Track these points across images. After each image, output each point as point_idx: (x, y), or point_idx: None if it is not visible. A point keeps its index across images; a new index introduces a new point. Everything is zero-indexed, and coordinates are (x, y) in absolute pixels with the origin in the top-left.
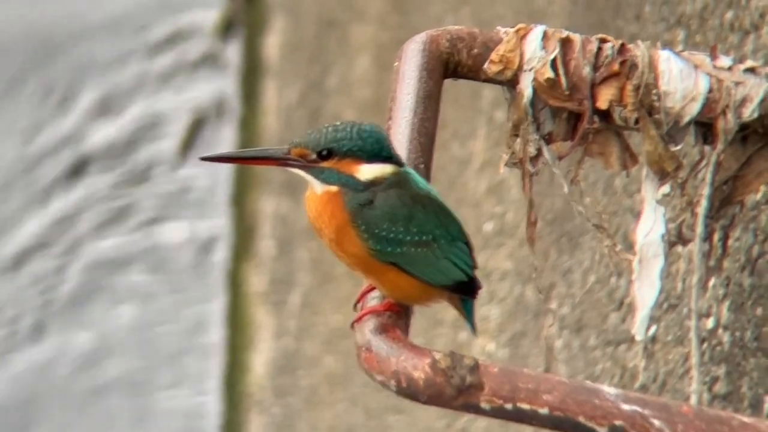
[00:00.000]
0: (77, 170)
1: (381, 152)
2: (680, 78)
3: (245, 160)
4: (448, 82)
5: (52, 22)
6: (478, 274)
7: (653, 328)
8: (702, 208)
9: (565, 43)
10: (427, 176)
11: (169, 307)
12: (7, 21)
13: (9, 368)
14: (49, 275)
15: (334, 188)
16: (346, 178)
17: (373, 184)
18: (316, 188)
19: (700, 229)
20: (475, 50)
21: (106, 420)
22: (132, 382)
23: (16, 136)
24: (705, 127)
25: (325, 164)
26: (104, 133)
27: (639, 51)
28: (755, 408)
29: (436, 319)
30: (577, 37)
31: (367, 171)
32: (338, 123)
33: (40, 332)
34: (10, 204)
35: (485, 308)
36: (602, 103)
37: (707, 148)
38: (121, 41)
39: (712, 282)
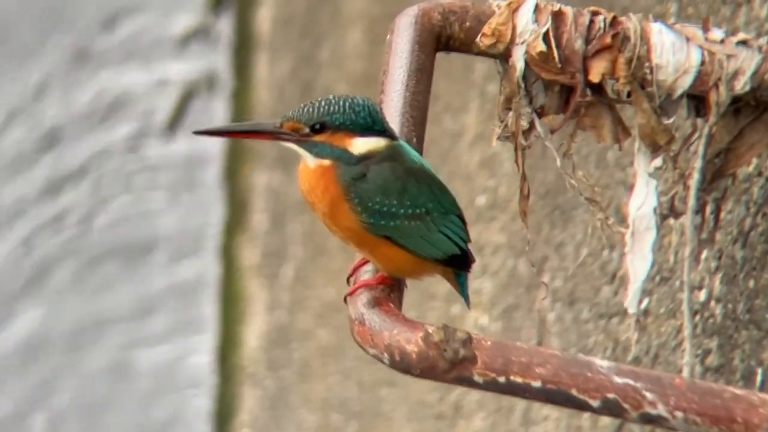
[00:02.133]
0: (55, 141)
1: (374, 126)
2: (672, 51)
3: (238, 134)
4: (440, 56)
5: None
6: (471, 247)
7: (646, 301)
8: (694, 181)
9: (557, 16)
10: (419, 150)
11: (162, 282)
12: None
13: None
14: (38, 244)
15: (327, 162)
16: (339, 152)
17: (366, 157)
18: (309, 162)
19: (692, 201)
20: (468, 23)
21: (96, 392)
22: (125, 354)
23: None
24: (697, 100)
25: (317, 138)
26: (91, 104)
27: (631, 24)
28: (747, 380)
29: (428, 293)
30: (569, 10)
31: (360, 144)
32: (331, 97)
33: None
34: None
35: (478, 282)
36: (594, 76)
37: (699, 120)
38: (110, 12)
39: (704, 255)
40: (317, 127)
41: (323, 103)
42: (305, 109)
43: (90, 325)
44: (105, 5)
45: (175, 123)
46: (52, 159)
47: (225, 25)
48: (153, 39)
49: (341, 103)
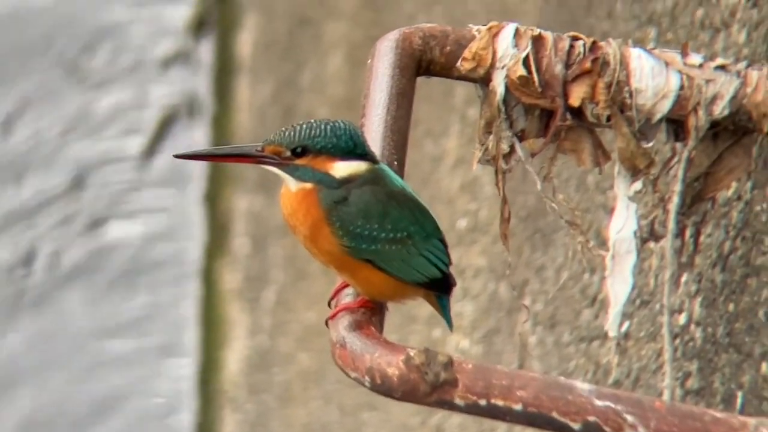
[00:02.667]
0: (31, 162)
1: (355, 149)
2: (651, 75)
3: (219, 158)
4: (420, 80)
5: (30, 16)
6: (453, 270)
7: (626, 324)
8: (674, 205)
9: (537, 40)
10: (400, 173)
11: (142, 307)
12: None
13: None
14: (15, 270)
15: (308, 185)
16: (320, 176)
17: (347, 181)
18: (291, 185)
19: (672, 225)
20: (448, 48)
21: (79, 415)
22: (104, 377)
23: None
24: (676, 124)
25: (299, 161)
26: (71, 125)
27: (611, 49)
28: (727, 403)
29: (410, 316)
30: (549, 35)
31: (341, 168)
32: (312, 120)
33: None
34: None
35: (459, 305)
36: (574, 101)
37: (679, 145)
38: (94, 38)
39: (684, 278)
40: (299, 150)
41: (305, 126)
42: (287, 133)
43: (68, 346)
44: (87, 28)
45: (155, 146)
46: (29, 180)
47: (206, 49)
48: (134, 62)
49: (323, 126)
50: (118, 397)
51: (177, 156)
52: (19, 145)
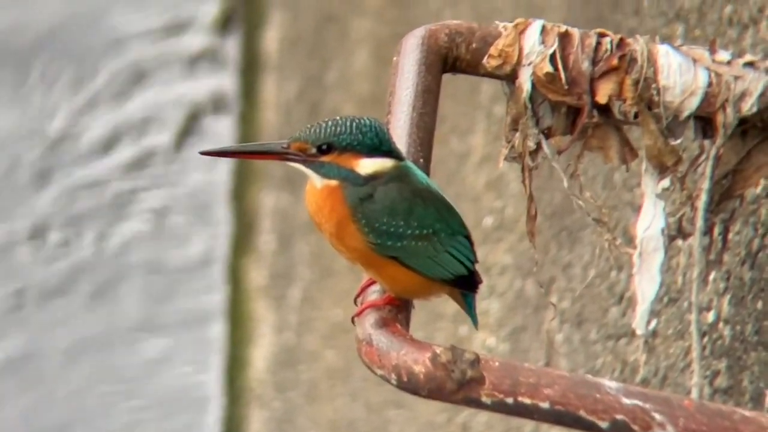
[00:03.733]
0: (62, 160)
1: (380, 146)
2: (679, 72)
3: (245, 155)
4: (446, 77)
5: (50, 15)
6: (479, 268)
7: (654, 322)
8: (702, 202)
9: (564, 37)
10: (426, 170)
11: (169, 303)
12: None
13: None
14: (46, 263)
15: (334, 182)
16: (345, 173)
17: (373, 178)
18: (316, 182)
19: (700, 222)
20: (474, 45)
21: (103, 414)
22: (133, 374)
23: (19, 127)
24: (704, 122)
25: (324, 158)
26: (100, 126)
27: (638, 45)
28: (756, 402)
29: (436, 313)
30: (575, 32)
31: (366, 165)
32: (338, 117)
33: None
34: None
35: (485, 303)
36: (601, 98)
37: (707, 142)
38: (121, 35)
39: (712, 276)
40: (324, 147)
41: (330, 123)
42: (312, 130)
43: (95, 344)
44: (113, 26)
45: (182, 144)
46: (61, 177)
47: (232, 47)
48: (161, 60)
49: (348, 123)
50: (145, 394)
51: (203, 153)
52: (56, 139)
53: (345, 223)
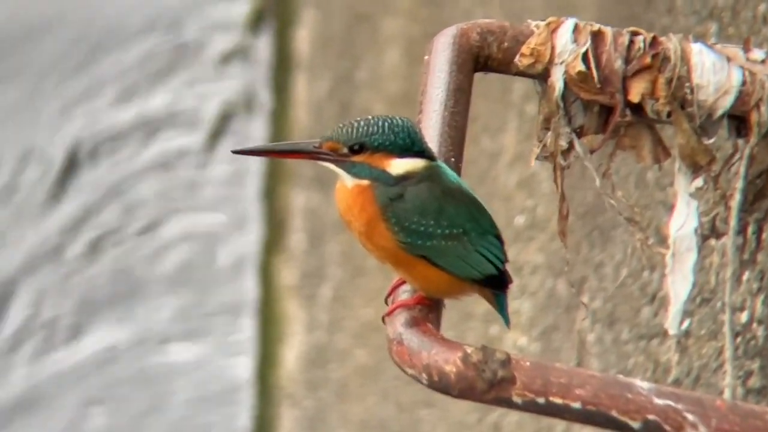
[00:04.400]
0: (92, 158)
1: (412, 147)
2: (713, 71)
3: (276, 153)
4: (478, 76)
5: (87, 13)
6: (510, 267)
7: (687, 322)
8: (736, 202)
9: (597, 36)
10: (457, 170)
11: (201, 303)
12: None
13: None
14: (80, 268)
15: (364, 182)
16: (377, 173)
17: (404, 178)
18: (347, 182)
19: (733, 222)
20: (506, 44)
21: (133, 408)
22: (165, 374)
23: (46, 123)
24: (738, 120)
25: (356, 158)
26: (132, 122)
27: (671, 44)
28: None
29: (466, 313)
30: (608, 30)
31: (398, 165)
32: (370, 117)
33: (77, 330)
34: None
35: (517, 302)
36: (634, 96)
37: (740, 141)
38: (154, 34)
39: (746, 276)
40: (356, 147)
41: (362, 123)
42: (344, 130)
43: (129, 345)
44: (146, 23)
45: (214, 142)
46: (89, 177)
47: (264, 45)
48: (193, 58)
49: (380, 123)
50: (177, 391)
51: (235, 152)
52: (85, 137)
53: (375, 222)
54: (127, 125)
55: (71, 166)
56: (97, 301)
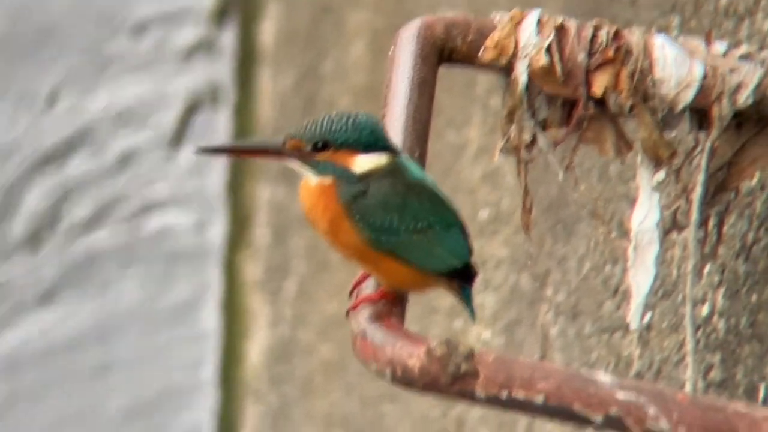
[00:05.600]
0: (63, 155)
1: (376, 143)
2: (675, 64)
3: (240, 153)
4: (442, 69)
5: (49, 6)
6: (475, 261)
7: (648, 316)
8: (697, 195)
9: (560, 29)
10: (422, 164)
11: (164, 296)
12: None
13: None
14: (39, 263)
15: (328, 180)
16: (341, 170)
17: (368, 175)
18: (311, 180)
19: (695, 215)
20: (470, 37)
21: (94, 404)
22: (127, 367)
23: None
24: (699, 114)
25: (320, 156)
26: (93, 117)
27: (634, 37)
28: (750, 395)
29: (431, 307)
30: (572, 24)
31: (362, 162)
32: (333, 113)
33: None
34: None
35: (480, 296)
36: (597, 90)
37: (702, 134)
38: (113, 25)
39: (707, 269)
40: (320, 145)
41: (325, 121)
42: (308, 128)
43: (89, 337)
44: (107, 19)
45: (178, 136)
46: (54, 170)
47: (228, 38)
48: (156, 51)
49: (344, 120)
50: (139, 387)
51: (199, 151)
52: (48, 133)
53: (339, 220)
54: (91, 120)
55: (36, 161)
56: (51, 293)
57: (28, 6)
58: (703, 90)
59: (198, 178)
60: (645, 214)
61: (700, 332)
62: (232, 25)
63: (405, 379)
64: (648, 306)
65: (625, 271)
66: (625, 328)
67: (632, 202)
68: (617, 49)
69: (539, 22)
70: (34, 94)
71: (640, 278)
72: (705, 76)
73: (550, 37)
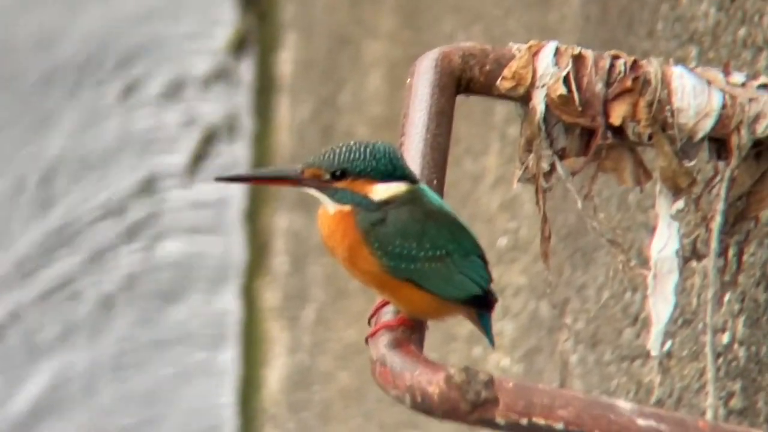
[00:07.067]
0: (74, 182)
1: (394, 172)
2: (693, 94)
3: (259, 180)
4: (460, 99)
5: (72, 36)
6: (493, 288)
7: (668, 344)
8: (716, 224)
9: (578, 59)
10: (440, 192)
11: (182, 324)
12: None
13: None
14: (64, 291)
15: (346, 208)
16: (359, 198)
17: (386, 203)
18: (329, 208)
19: (714, 244)
20: (488, 67)
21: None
22: (147, 396)
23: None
24: (718, 143)
25: (338, 184)
26: (112, 146)
27: (652, 67)
28: None
29: (450, 334)
30: (589, 54)
31: (380, 191)
32: (352, 143)
33: (61, 342)
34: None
35: (499, 324)
36: (615, 119)
37: (721, 164)
38: (135, 56)
39: (727, 297)
40: (338, 173)
41: (344, 149)
42: (326, 156)
43: (109, 366)
44: (128, 47)
45: (197, 165)
46: (74, 199)
47: (246, 69)
48: (175, 81)
49: (362, 149)
50: (159, 415)
51: (218, 179)
52: (62, 162)
53: (357, 247)
54: (110, 147)
55: (55, 185)
56: (76, 316)
57: (56, 39)
58: (722, 119)
59: (217, 207)
60: (664, 243)
61: (720, 360)
62: (251, 55)
63: (425, 406)
64: (668, 334)
65: (644, 299)
66: (646, 355)
67: (651, 230)
68: (635, 79)
69: (557, 51)
70: (47, 121)
71: (660, 306)
72: (724, 106)
73: (567, 66)
